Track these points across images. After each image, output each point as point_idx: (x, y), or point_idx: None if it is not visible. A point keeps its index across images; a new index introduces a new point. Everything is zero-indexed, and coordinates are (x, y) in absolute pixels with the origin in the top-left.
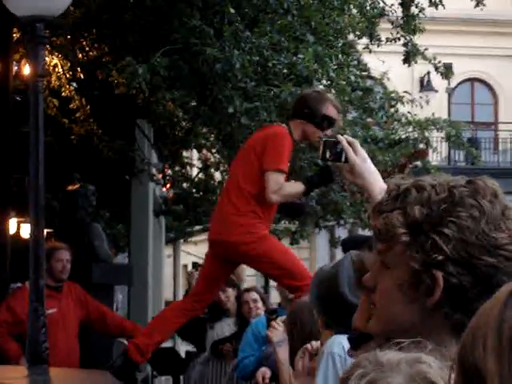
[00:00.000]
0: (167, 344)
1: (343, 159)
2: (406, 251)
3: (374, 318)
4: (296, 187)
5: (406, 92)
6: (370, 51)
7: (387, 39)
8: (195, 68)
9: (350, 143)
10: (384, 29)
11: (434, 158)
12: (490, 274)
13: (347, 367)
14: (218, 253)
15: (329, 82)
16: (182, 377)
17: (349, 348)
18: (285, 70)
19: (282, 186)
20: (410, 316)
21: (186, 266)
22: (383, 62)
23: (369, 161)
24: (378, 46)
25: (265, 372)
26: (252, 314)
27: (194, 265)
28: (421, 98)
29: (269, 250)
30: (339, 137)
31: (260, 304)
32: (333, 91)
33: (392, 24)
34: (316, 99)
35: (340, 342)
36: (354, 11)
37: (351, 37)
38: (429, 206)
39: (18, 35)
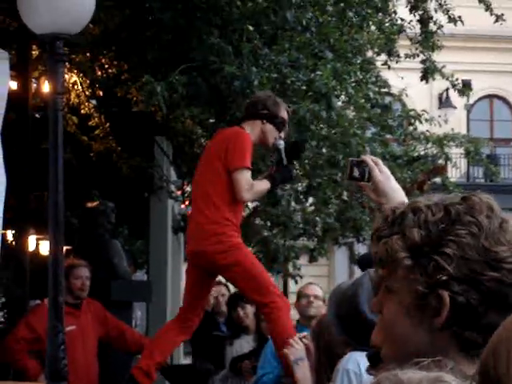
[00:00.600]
0: (187, 361)
1: (366, 178)
2: (409, 275)
3: (385, 344)
4: (264, 184)
5: (423, 111)
6: (389, 67)
7: (406, 55)
8: (213, 85)
9: (374, 162)
10: (402, 45)
11: (453, 175)
12: (494, 288)
13: None
14: (195, 264)
15: (347, 99)
16: None
17: (368, 366)
18: (303, 87)
19: (253, 184)
20: (418, 338)
21: None
22: (402, 78)
23: (392, 179)
24: (397, 63)
25: None
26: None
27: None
28: (439, 116)
29: (240, 260)
30: (364, 156)
31: None
32: (351, 108)
33: (411, 40)
34: (272, 101)
35: (355, 359)
36: (373, 28)
37: (370, 54)
38: (427, 227)
39: (37, 52)
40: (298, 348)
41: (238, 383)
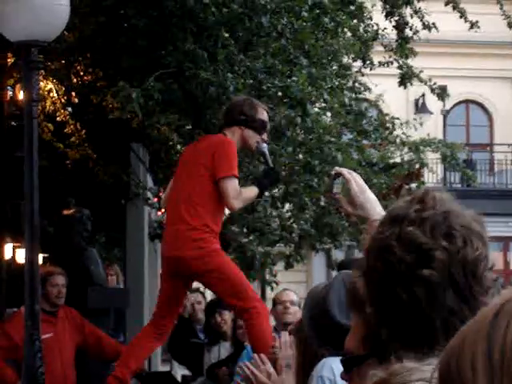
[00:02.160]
0: (164, 368)
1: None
2: None
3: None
4: (252, 191)
5: (395, 118)
6: (363, 74)
7: (380, 63)
8: (189, 92)
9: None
10: (378, 51)
11: (429, 180)
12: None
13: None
14: (171, 269)
15: (323, 105)
16: None
17: (342, 371)
18: (279, 93)
19: (241, 192)
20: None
21: None
22: (376, 86)
23: (368, 191)
24: (371, 70)
25: None
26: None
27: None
28: (415, 119)
29: (219, 266)
30: (339, 169)
31: None
32: (328, 114)
33: (385, 48)
34: (249, 105)
35: (330, 366)
36: (348, 34)
37: (346, 59)
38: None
39: (12, 60)
40: (290, 353)
41: None
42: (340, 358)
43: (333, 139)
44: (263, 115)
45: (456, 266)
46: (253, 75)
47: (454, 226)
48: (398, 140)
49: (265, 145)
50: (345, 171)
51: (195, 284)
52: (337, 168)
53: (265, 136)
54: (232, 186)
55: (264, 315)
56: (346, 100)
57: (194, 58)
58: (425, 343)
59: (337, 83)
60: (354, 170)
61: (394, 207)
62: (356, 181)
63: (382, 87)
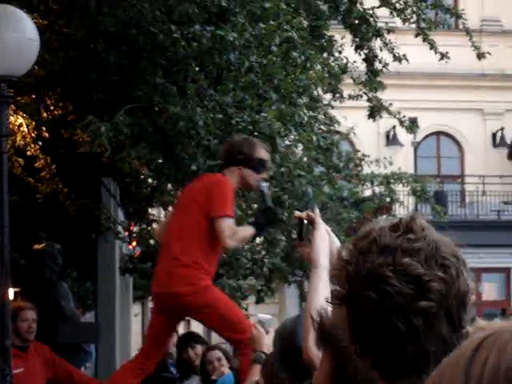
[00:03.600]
0: None
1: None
2: None
3: None
4: (247, 231)
5: (365, 156)
6: (332, 107)
7: (350, 96)
8: (159, 126)
9: (311, 220)
10: (348, 84)
11: (400, 212)
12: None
13: None
14: (162, 306)
15: (291, 141)
16: None
17: None
18: (249, 127)
19: (236, 231)
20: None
21: None
22: (346, 119)
23: (327, 238)
24: (341, 103)
25: None
26: (217, 372)
27: None
28: (385, 158)
29: (211, 301)
30: (298, 214)
31: (224, 362)
32: (299, 146)
33: (354, 81)
34: (247, 144)
35: None
36: (318, 67)
37: (316, 93)
38: (352, 245)
39: None
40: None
41: None
42: None
43: (303, 173)
44: (262, 153)
45: (451, 296)
46: (222, 110)
47: (446, 257)
48: (368, 173)
49: (265, 183)
50: (310, 216)
51: None
52: (296, 213)
53: (264, 174)
54: (227, 225)
55: None
56: (314, 137)
57: (163, 92)
58: (413, 372)
59: (306, 117)
60: (324, 204)
61: (381, 236)
62: (319, 227)
63: (353, 120)
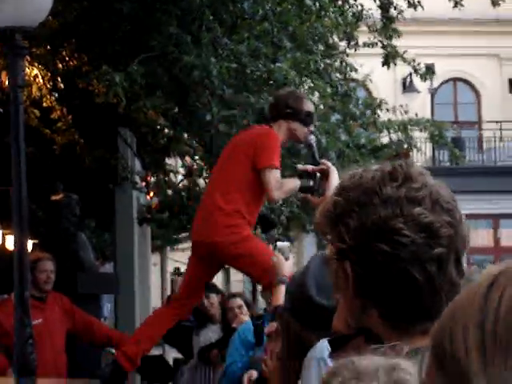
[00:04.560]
0: (155, 351)
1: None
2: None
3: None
4: (293, 182)
5: (382, 102)
6: (347, 55)
7: (364, 44)
8: (173, 75)
9: (324, 171)
10: (363, 31)
11: (418, 159)
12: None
13: (326, 374)
14: (201, 254)
15: (307, 90)
16: None
17: (329, 351)
18: (264, 76)
19: (283, 183)
20: (349, 312)
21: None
22: (361, 66)
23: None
24: (356, 51)
25: (251, 374)
26: (237, 320)
27: (176, 270)
28: (401, 106)
29: (251, 250)
30: (301, 167)
31: (245, 310)
32: (316, 94)
33: (369, 28)
34: (294, 98)
35: (324, 347)
36: (333, 15)
37: (331, 40)
38: (342, 196)
39: None
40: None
41: (206, 372)
42: (327, 338)
43: (317, 123)
44: (308, 106)
45: (458, 240)
46: (237, 59)
47: (449, 201)
48: (384, 120)
49: (312, 137)
50: (325, 166)
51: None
52: (300, 166)
53: (311, 127)
54: (273, 176)
55: None
56: (329, 87)
57: (177, 41)
58: (426, 318)
59: (322, 65)
60: (341, 152)
61: (381, 186)
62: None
63: (369, 67)
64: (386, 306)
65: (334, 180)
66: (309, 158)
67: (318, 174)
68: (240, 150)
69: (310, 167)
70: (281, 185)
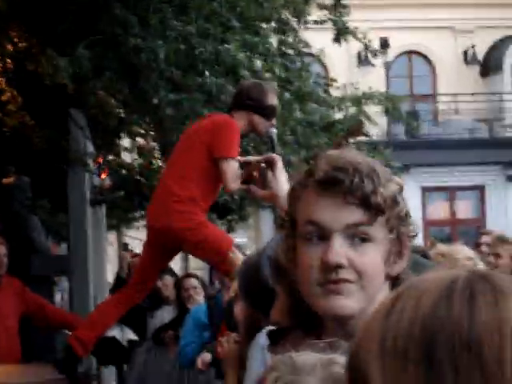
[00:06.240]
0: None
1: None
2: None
3: (359, 296)
4: None
5: (332, 80)
6: (297, 31)
7: (315, 21)
8: (122, 57)
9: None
10: (314, 7)
11: (373, 133)
12: None
13: (264, 370)
14: (156, 239)
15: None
16: (125, 366)
17: (268, 344)
18: (212, 57)
19: (239, 174)
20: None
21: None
22: (309, 47)
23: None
24: (306, 29)
25: (205, 356)
26: (192, 300)
27: (124, 246)
28: (351, 84)
29: (207, 236)
30: (242, 158)
31: (200, 290)
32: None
33: (318, 6)
34: (258, 90)
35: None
36: None
37: (285, 16)
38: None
39: None
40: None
41: (161, 353)
42: (266, 331)
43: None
44: (273, 101)
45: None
46: (185, 40)
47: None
48: (336, 96)
49: (273, 130)
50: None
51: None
52: (240, 158)
53: (273, 121)
54: (231, 168)
55: None
56: (277, 69)
57: (124, 23)
58: None
59: (273, 47)
60: (294, 130)
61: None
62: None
63: (323, 42)
64: None
65: (279, 170)
66: (268, 151)
67: (263, 165)
68: (197, 138)
69: (252, 158)
70: (238, 176)
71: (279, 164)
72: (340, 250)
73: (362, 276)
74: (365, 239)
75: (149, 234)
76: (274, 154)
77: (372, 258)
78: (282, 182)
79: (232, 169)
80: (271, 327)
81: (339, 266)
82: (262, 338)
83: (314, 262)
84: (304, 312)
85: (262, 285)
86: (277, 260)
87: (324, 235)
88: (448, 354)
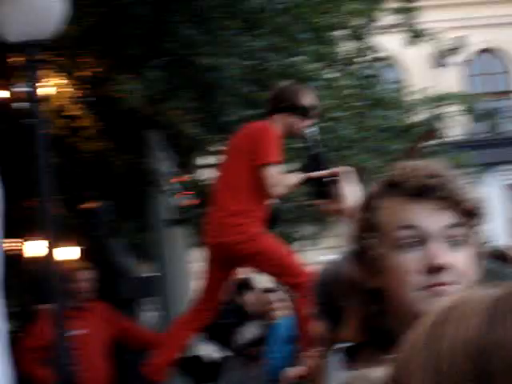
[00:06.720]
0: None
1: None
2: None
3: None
4: (294, 177)
5: (407, 85)
6: (371, 36)
7: (391, 25)
8: (192, 76)
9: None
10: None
11: (455, 133)
12: None
13: None
14: (215, 256)
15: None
16: None
17: (343, 360)
18: (279, 71)
19: (281, 178)
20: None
21: None
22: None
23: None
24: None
25: (297, 369)
26: (275, 314)
27: None
28: (427, 88)
29: (263, 248)
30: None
31: (283, 303)
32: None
33: (393, 12)
34: (289, 92)
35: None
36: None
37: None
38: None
39: (18, 59)
40: None
41: (249, 369)
42: (340, 346)
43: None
44: (306, 100)
45: None
46: (252, 55)
47: None
48: (412, 100)
49: (312, 129)
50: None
51: None
52: (305, 175)
53: (311, 120)
54: (272, 173)
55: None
56: (343, 79)
57: (193, 43)
58: None
59: (344, 53)
60: (368, 136)
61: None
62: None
63: (397, 45)
64: None
65: (344, 182)
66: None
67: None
68: (237, 149)
69: (315, 174)
70: (279, 180)
71: (343, 176)
72: (442, 252)
73: (463, 278)
74: (459, 242)
75: (208, 251)
76: (339, 168)
77: (468, 260)
78: (348, 194)
79: (272, 174)
80: (344, 344)
81: (443, 268)
82: (335, 355)
83: (413, 267)
84: (377, 328)
85: (338, 303)
86: (350, 276)
87: (421, 239)
88: (505, 373)
